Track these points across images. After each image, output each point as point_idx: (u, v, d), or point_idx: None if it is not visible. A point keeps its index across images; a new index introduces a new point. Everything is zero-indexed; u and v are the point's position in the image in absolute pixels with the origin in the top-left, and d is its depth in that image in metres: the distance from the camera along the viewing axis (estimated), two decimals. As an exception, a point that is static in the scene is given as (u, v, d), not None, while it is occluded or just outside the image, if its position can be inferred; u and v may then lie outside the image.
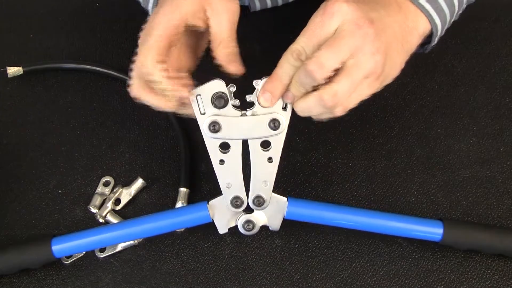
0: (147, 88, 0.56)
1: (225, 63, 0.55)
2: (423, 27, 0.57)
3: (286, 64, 0.52)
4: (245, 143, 0.57)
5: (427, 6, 0.57)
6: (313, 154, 0.71)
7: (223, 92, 0.55)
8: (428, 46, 0.62)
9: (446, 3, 0.58)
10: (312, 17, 0.52)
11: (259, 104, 0.55)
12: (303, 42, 0.52)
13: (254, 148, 0.57)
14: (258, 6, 0.81)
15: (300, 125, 0.73)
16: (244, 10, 0.82)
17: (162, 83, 0.54)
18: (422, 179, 0.69)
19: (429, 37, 0.59)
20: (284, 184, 0.69)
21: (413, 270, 0.63)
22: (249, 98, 0.55)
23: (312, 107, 0.53)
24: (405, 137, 0.72)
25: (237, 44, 0.56)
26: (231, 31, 0.56)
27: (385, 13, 0.54)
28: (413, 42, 0.57)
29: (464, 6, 0.64)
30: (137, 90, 0.57)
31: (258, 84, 0.54)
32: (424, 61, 0.77)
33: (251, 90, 0.55)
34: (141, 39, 0.55)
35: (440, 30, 0.59)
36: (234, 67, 0.55)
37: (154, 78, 0.54)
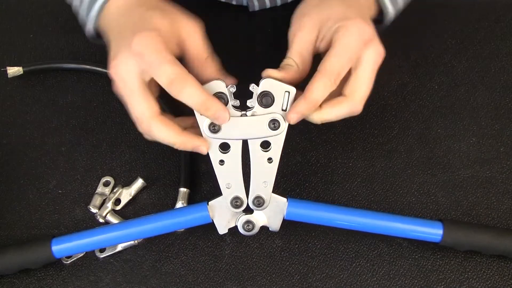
0: None
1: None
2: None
3: (324, 88, 0.53)
4: (245, 144, 0.57)
5: None
6: (313, 154, 0.71)
7: (223, 93, 0.55)
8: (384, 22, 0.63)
9: None
10: (345, 39, 0.54)
11: (288, 122, 0.56)
12: (339, 65, 0.53)
13: (254, 148, 0.57)
14: (256, 6, 0.81)
15: (300, 125, 0.72)
16: (243, 10, 0.82)
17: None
18: (422, 179, 0.69)
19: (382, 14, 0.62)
20: (284, 184, 0.69)
21: (413, 270, 0.63)
22: (249, 103, 0.56)
23: (341, 116, 0.56)
24: (405, 137, 0.72)
25: (217, 58, 0.57)
26: (209, 48, 0.57)
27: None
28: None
29: None
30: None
31: (254, 88, 0.55)
32: (424, 61, 0.77)
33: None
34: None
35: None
36: (230, 80, 0.57)
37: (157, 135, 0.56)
